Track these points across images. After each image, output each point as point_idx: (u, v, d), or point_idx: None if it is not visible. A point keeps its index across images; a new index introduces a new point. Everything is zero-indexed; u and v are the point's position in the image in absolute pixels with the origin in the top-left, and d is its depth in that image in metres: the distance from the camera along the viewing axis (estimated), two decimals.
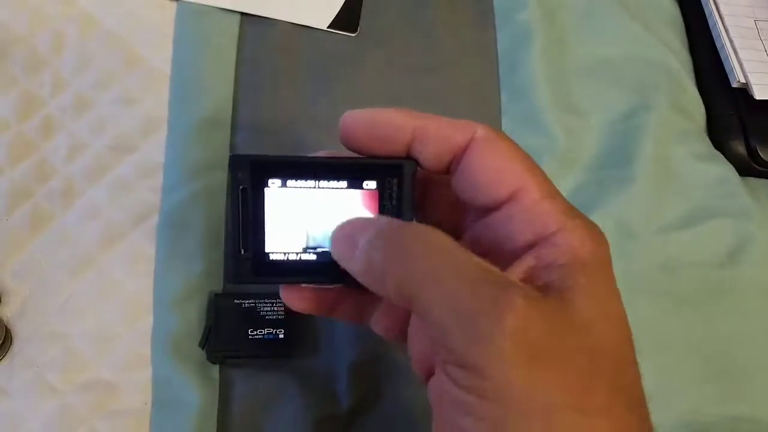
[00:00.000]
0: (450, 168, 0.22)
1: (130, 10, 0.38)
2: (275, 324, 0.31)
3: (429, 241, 0.19)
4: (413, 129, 0.21)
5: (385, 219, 0.21)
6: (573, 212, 0.20)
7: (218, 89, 0.36)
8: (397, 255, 0.19)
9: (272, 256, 0.22)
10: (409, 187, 0.22)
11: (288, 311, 0.31)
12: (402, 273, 0.19)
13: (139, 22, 0.37)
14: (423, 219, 0.24)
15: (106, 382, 0.30)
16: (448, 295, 0.18)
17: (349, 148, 0.22)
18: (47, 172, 0.34)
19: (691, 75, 0.40)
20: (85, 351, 0.31)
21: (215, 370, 0.31)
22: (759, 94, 0.36)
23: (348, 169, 0.23)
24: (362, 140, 0.22)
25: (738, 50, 0.38)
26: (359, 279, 0.20)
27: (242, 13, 0.38)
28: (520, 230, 0.20)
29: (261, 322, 0.31)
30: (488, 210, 0.21)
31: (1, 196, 0.33)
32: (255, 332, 0.30)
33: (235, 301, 0.31)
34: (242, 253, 0.22)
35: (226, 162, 0.25)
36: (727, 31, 0.38)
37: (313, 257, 0.23)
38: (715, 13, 0.39)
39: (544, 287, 0.19)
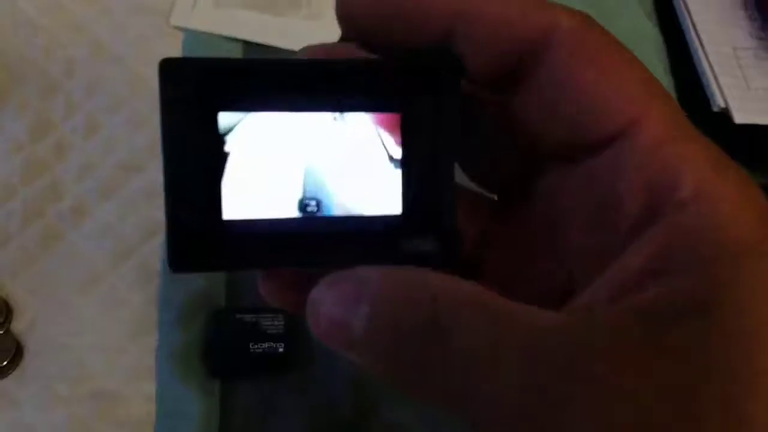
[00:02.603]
0: (509, 79, 0.14)
1: (139, 36, 0.39)
2: (275, 338, 0.32)
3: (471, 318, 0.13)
4: (455, 9, 0.14)
5: (388, 273, 0.13)
6: (723, 164, 0.13)
7: None
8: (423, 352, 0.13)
9: (233, 226, 0.15)
10: (453, 108, 0.15)
11: (288, 325, 0.32)
12: (441, 376, 0.13)
13: (147, 49, 0.39)
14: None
15: (113, 393, 0.32)
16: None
17: (355, 40, 0.15)
18: (59, 192, 0.35)
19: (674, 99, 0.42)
20: (93, 363, 0.32)
21: (216, 383, 0.32)
22: (738, 118, 0.38)
23: (351, 78, 0.15)
24: (374, 25, 0.14)
25: (718, 76, 0.39)
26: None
27: (245, 42, 0.40)
28: (631, 190, 0.13)
29: (261, 336, 0.32)
30: (575, 152, 0.14)
31: (15, 214, 0.34)
32: (256, 346, 0.32)
33: (237, 315, 0.32)
34: (183, 223, 0.14)
35: None
36: (707, 58, 0.40)
37: (293, 224, 0.15)
38: (696, 41, 0.41)
39: (673, 297, 0.12)
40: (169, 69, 0.14)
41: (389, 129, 0.15)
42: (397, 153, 0.15)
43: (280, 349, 0.32)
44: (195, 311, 0.33)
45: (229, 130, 0.14)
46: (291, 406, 0.32)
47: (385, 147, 0.15)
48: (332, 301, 0.14)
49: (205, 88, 0.14)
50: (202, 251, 0.15)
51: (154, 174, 0.36)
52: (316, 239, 0.15)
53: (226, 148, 0.14)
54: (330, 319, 0.14)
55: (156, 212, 0.35)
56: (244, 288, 0.34)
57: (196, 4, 0.40)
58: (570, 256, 0.15)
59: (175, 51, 0.39)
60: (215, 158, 0.14)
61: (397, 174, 0.15)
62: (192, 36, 0.40)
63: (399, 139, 0.15)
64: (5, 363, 0.31)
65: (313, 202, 0.15)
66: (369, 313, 0.13)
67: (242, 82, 0.14)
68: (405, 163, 0.15)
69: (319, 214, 0.15)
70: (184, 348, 0.32)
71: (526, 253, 0.16)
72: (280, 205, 0.15)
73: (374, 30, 0.14)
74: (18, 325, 0.33)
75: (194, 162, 0.14)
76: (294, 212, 0.15)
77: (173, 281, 0.33)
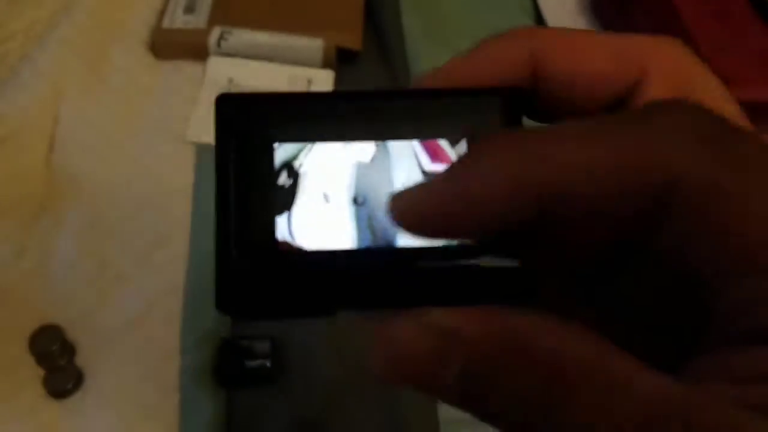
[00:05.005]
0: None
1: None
2: (264, 356, 0.44)
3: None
4: (529, 55, 0.14)
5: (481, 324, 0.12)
6: None
7: None
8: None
9: (289, 260, 0.14)
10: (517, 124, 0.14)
11: (273, 346, 0.44)
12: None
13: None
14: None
15: (149, 402, 0.44)
16: None
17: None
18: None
19: None
20: (135, 382, 0.45)
21: (223, 391, 0.44)
22: None
23: (394, 109, 0.15)
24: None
25: None
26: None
27: None
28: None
29: (254, 355, 0.44)
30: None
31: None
32: (250, 362, 0.44)
33: (236, 341, 0.45)
34: (234, 255, 0.14)
35: None
36: None
37: (354, 256, 0.14)
38: None
39: None
40: (224, 104, 0.15)
41: (429, 150, 0.15)
42: (430, 166, 0.15)
43: (267, 364, 0.44)
44: (207, 340, 0.45)
45: (284, 161, 0.14)
46: (276, 406, 0.44)
47: (418, 160, 0.15)
48: (415, 353, 0.12)
49: (260, 121, 0.14)
50: (255, 291, 0.14)
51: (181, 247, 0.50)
52: (379, 273, 0.14)
53: (281, 180, 0.14)
54: (410, 368, 0.13)
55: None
56: (243, 324, 0.46)
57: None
58: (699, 288, 0.13)
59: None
60: (269, 190, 0.14)
61: None
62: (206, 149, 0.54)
63: (437, 157, 0.15)
64: (70, 386, 0.44)
65: (372, 232, 0.14)
66: (462, 371, 0.12)
67: (296, 116, 0.15)
68: None
69: (379, 246, 0.14)
70: (200, 366, 0.44)
71: (645, 277, 0.14)
72: (337, 236, 0.14)
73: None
74: (80, 360, 0.45)
75: (247, 194, 0.14)
76: (352, 243, 0.14)
77: (192, 319, 0.46)
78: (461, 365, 0.12)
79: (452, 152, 0.15)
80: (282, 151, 0.15)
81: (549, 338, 0.12)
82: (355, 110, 0.15)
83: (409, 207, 0.13)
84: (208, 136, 0.54)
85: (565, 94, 0.15)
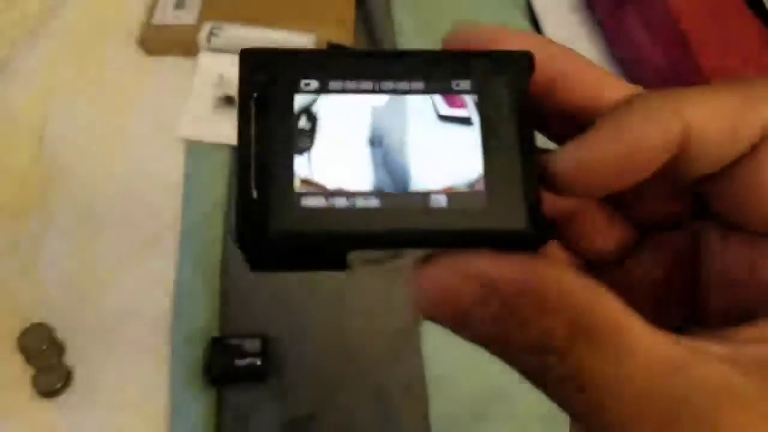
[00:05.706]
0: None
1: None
2: (254, 355, 0.44)
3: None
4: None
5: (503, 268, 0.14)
6: None
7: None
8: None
9: (306, 200, 0.15)
10: (525, 88, 0.15)
11: (263, 345, 0.44)
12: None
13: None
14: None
15: (139, 399, 0.44)
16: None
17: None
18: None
19: None
20: (125, 378, 0.44)
21: (213, 389, 0.44)
22: None
23: (422, 63, 0.16)
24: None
25: None
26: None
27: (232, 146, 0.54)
28: None
29: (244, 354, 0.44)
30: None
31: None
32: (240, 361, 0.44)
33: (226, 340, 0.45)
34: (255, 197, 0.15)
35: None
36: None
37: (375, 202, 0.15)
38: None
39: None
40: (247, 57, 0.15)
41: (447, 100, 0.16)
42: (445, 110, 0.15)
43: (258, 363, 0.44)
44: (197, 339, 0.45)
45: (303, 106, 0.15)
46: (267, 404, 0.44)
47: (434, 104, 0.15)
48: (457, 297, 0.14)
49: (283, 73, 0.15)
50: (269, 225, 0.14)
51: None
52: (395, 216, 0.15)
53: (300, 123, 0.15)
54: (451, 310, 0.14)
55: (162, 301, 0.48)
56: (232, 322, 0.46)
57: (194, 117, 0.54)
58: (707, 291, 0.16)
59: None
60: (289, 132, 0.15)
61: (469, 143, 0.15)
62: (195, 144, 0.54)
63: (454, 103, 0.15)
64: (59, 386, 0.44)
65: (388, 177, 0.15)
66: (495, 314, 0.14)
67: (317, 68, 0.15)
68: (485, 144, 0.15)
69: (395, 190, 0.15)
70: (190, 365, 0.44)
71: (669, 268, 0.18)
72: (355, 174, 0.15)
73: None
74: (69, 359, 0.45)
75: (269, 141, 0.15)
76: (369, 182, 0.15)
77: (182, 318, 0.46)
78: (496, 310, 0.13)
79: (469, 99, 0.16)
80: (300, 98, 0.15)
81: (581, 293, 0.13)
82: (373, 65, 0.16)
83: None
84: (199, 133, 0.54)
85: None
